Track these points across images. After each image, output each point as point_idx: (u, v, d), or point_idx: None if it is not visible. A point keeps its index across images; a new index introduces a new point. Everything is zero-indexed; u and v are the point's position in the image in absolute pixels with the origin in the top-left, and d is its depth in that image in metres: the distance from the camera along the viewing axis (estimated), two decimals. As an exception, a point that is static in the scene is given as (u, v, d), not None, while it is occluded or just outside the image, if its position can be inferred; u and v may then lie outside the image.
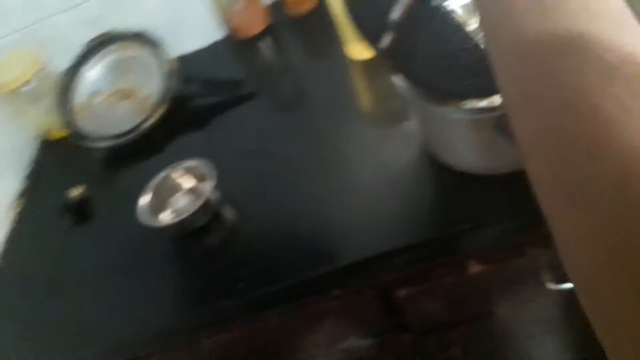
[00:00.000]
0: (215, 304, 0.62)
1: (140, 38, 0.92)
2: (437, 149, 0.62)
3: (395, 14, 0.47)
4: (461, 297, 0.70)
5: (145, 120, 0.87)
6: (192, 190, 0.74)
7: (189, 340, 0.69)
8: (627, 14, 0.23)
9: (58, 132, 0.96)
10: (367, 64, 0.81)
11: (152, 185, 0.72)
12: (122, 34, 0.93)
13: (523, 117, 0.24)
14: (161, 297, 0.65)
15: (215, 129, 0.85)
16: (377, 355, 0.76)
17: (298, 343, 0.73)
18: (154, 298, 0.65)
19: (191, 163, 0.73)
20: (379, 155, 0.68)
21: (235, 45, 1.01)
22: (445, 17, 0.49)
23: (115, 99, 0.93)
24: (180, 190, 0.74)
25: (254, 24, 0.99)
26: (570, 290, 0.65)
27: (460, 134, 0.57)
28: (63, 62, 0.92)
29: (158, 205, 0.72)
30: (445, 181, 0.61)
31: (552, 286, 0.64)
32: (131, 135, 0.87)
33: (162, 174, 0.73)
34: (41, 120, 0.96)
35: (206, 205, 0.67)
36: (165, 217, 0.71)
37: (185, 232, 0.68)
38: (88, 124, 0.91)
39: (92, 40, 0.93)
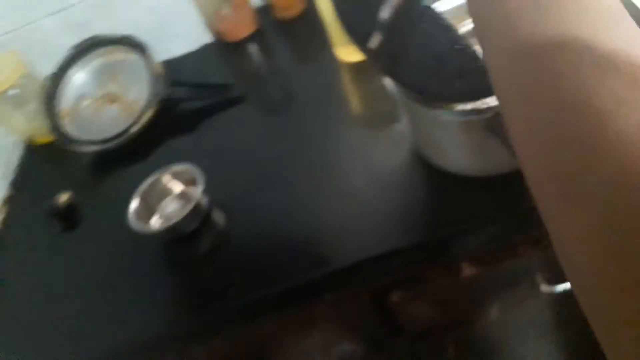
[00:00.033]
0: (206, 310, 0.61)
1: (126, 42, 0.91)
2: (428, 151, 0.62)
3: (384, 13, 0.46)
4: (455, 299, 0.70)
5: (133, 124, 0.86)
6: (181, 195, 0.73)
7: (180, 347, 0.68)
8: (619, 7, 0.23)
9: (44, 137, 0.95)
10: (356, 66, 0.81)
11: (140, 191, 0.71)
12: (109, 38, 0.92)
13: (518, 116, 0.24)
14: (151, 304, 0.64)
15: (203, 133, 0.85)
16: (370, 360, 0.75)
17: (291, 349, 0.73)
18: (143, 305, 0.64)
19: (179, 167, 0.72)
20: (370, 157, 0.67)
21: (223, 48, 1.00)
22: (435, 18, 0.49)
23: (102, 104, 0.92)
24: (169, 195, 0.73)
25: (242, 28, 0.98)
26: (563, 293, 0.65)
27: (451, 135, 0.56)
28: (48, 66, 0.91)
29: (146, 210, 0.71)
30: (437, 183, 0.61)
31: (546, 288, 0.64)
32: (118, 140, 0.86)
33: (150, 179, 0.72)
34: (26, 125, 0.94)
35: (196, 210, 0.66)
36: (154, 223, 0.70)
37: (174, 237, 0.67)
38: (74, 129, 0.89)
39: (78, 44, 0.91)
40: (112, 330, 0.63)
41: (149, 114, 0.86)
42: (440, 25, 0.49)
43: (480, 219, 0.57)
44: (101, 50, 0.93)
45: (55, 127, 0.89)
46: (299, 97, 0.83)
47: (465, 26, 0.56)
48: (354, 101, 0.81)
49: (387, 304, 0.67)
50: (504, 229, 0.58)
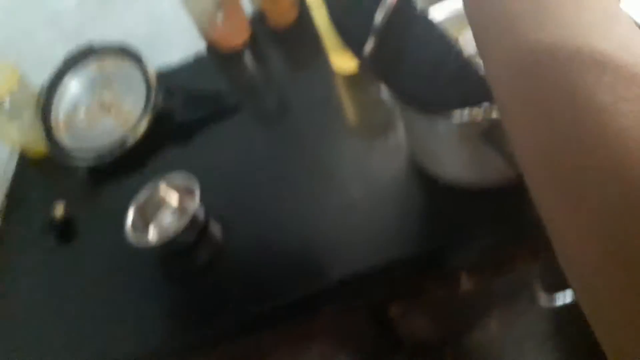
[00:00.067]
0: (204, 324, 0.60)
1: (121, 52, 0.90)
2: (425, 160, 0.62)
3: (378, 17, 0.46)
4: (453, 311, 0.70)
5: (128, 135, 0.86)
6: (177, 207, 0.72)
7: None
8: (616, 6, 0.23)
9: (39, 149, 0.94)
10: (351, 75, 0.81)
11: (136, 202, 0.70)
12: (103, 48, 0.91)
13: (518, 116, 0.24)
14: (148, 319, 0.64)
15: (199, 143, 0.84)
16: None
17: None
18: (141, 319, 0.64)
19: (176, 178, 0.72)
20: (366, 167, 0.67)
21: (217, 58, 1.00)
22: (428, 24, 0.49)
23: (98, 113, 0.91)
24: (165, 207, 0.72)
25: (236, 37, 0.98)
26: (561, 305, 0.65)
27: (447, 143, 0.56)
28: (42, 76, 0.90)
29: (143, 222, 0.70)
30: (434, 193, 0.61)
31: (544, 300, 0.63)
32: (113, 151, 0.85)
33: (146, 191, 0.71)
34: (21, 136, 0.93)
35: (193, 223, 0.66)
36: (151, 234, 0.70)
37: (171, 250, 0.67)
38: (69, 140, 0.89)
39: (72, 54, 0.91)
40: (110, 344, 0.63)
41: (144, 124, 0.86)
42: (433, 31, 0.49)
43: (478, 230, 0.57)
44: (96, 60, 0.92)
45: (50, 138, 0.88)
46: (294, 106, 0.83)
47: (464, 36, 0.56)
48: (350, 110, 0.81)
49: (386, 317, 0.67)
50: (502, 240, 0.58)
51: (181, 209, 0.71)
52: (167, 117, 0.88)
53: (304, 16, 0.93)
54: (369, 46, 0.49)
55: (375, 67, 0.53)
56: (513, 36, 0.24)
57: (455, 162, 0.58)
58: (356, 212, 0.63)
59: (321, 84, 0.83)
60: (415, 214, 0.61)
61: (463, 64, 0.48)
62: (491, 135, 0.50)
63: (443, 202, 0.60)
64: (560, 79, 0.21)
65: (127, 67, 0.90)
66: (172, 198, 0.73)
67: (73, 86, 0.92)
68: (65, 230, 0.79)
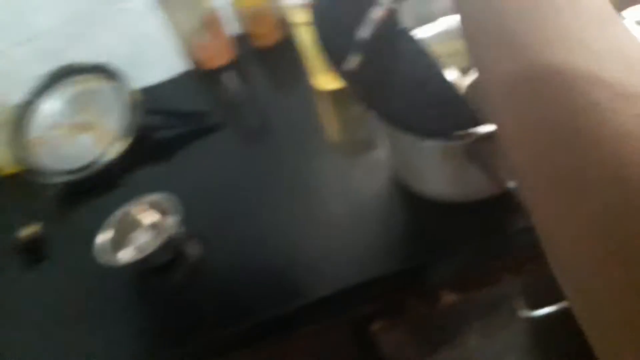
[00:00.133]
0: (179, 345, 0.58)
1: (100, 70, 0.89)
2: (408, 177, 0.62)
3: (363, 33, 0.46)
4: (434, 325, 0.69)
5: (105, 153, 0.84)
6: (154, 226, 0.70)
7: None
8: (610, 7, 0.23)
9: (11, 168, 0.92)
10: (334, 94, 0.81)
11: (111, 222, 0.68)
12: (82, 67, 0.90)
13: (517, 132, 0.24)
14: (124, 341, 0.61)
15: (178, 162, 0.83)
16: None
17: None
18: (115, 340, 0.62)
19: (153, 197, 0.70)
20: (348, 184, 0.67)
21: (200, 76, 1.00)
22: (412, 42, 0.49)
23: (75, 133, 0.90)
24: (142, 226, 0.70)
25: (219, 56, 0.98)
26: (542, 318, 0.64)
27: (430, 161, 0.56)
28: (19, 95, 0.89)
29: (119, 242, 0.68)
30: (416, 209, 0.61)
31: (525, 313, 0.63)
32: (89, 170, 0.84)
33: (122, 210, 0.69)
34: (-6, 155, 0.91)
35: (169, 241, 0.64)
36: (127, 255, 0.68)
37: (147, 270, 0.65)
38: (44, 159, 0.87)
39: (50, 72, 0.90)
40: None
41: (122, 143, 0.84)
42: (416, 49, 0.49)
43: (460, 245, 0.56)
44: (74, 79, 0.91)
45: (24, 157, 0.86)
46: (276, 125, 0.83)
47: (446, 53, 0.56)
48: (332, 129, 0.81)
49: (368, 335, 0.65)
50: (482, 255, 0.58)
51: (158, 228, 0.70)
52: (148, 135, 0.87)
53: (287, 37, 0.94)
54: (352, 63, 0.49)
55: (358, 86, 0.52)
56: (513, 55, 0.24)
57: (439, 178, 0.58)
58: (338, 229, 0.62)
59: (304, 102, 0.83)
60: (398, 230, 0.60)
61: (444, 84, 0.48)
62: (475, 152, 0.50)
63: (425, 218, 0.60)
64: (558, 74, 0.22)
65: (106, 86, 0.90)
66: (149, 217, 0.71)
67: (50, 105, 0.91)
68: (36, 251, 0.76)
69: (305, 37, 0.75)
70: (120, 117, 0.86)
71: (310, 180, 0.70)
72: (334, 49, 0.52)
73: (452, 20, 0.60)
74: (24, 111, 0.89)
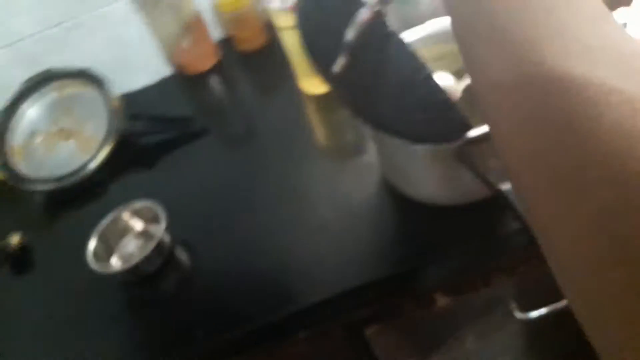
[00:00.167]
0: (170, 353, 0.57)
1: (82, 76, 0.88)
2: (397, 181, 0.62)
3: (349, 35, 0.45)
4: (429, 328, 0.69)
5: (89, 161, 0.83)
6: (142, 234, 0.70)
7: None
8: (603, 6, 0.23)
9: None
10: (321, 98, 0.81)
11: (98, 230, 0.67)
12: (63, 72, 0.89)
13: (514, 135, 0.24)
14: (112, 350, 0.60)
15: (164, 168, 0.82)
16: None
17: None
18: (105, 351, 0.60)
19: (140, 204, 0.69)
20: (338, 189, 0.66)
21: (184, 81, 0.99)
22: (400, 45, 0.49)
23: (57, 139, 0.88)
24: (130, 234, 0.70)
25: (203, 60, 0.97)
26: (536, 319, 0.65)
27: (420, 165, 0.56)
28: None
29: (106, 250, 0.67)
30: (407, 213, 0.60)
31: (520, 315, 0.63)
32: (74, 177, 0.82)
33: (109, 217, 0.68)
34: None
35: (158, 248, 0.63)
36: (115, 263, 0.67)
37: (136, 278, 0.64)
38: (27, 167, 0.85)
39: (31, 78, 0.88)
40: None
41: (106, 150, 0.83)
42: (404, 52, 0.49)
43: (451, 248, 0.56)
44: (56, 84, 0.89)
45: (5, 165, 0.84)
46: (263, 130, 0.82)
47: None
48: (320, 133, 0.80)
49: (363, 339, 0.65)
50: (475, 258, 0.58)
51: (146, 235, 0.69)
52: (132, 141, 0.86)
53: (272, 41, 0.93)
54: (338, 66, 0.48)
55: (344, 90, 0.52)
56: (504, 55, 0.24)
57: (429, 182, 0.57)
58: (328, 234, 0.62)
59: (290, 107, 0.83)
60: (389, 234, 0.60)
61: (432, 87, 0.48)
62: (465, 155, 0.50)
63: (416, 221, 0.59)
64: (552, 70, 0.21)
65: (88, 92, 0.88)
66: (136, 225, 0.70)
67: (31, 111, 0.89)
68: (20, 260, 0.75)
69: (291, 41, 0.75)
70: (103, 123, 0.85)
71: (299, 185, 0.69)
72: (319, 53, 0.51)
73: (438, 24, 0.61)
74: (4, 117, 0.87)
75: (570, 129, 0.20)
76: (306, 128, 0.80)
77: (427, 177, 0.57)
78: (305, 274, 0.59)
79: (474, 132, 0.47)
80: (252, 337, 0.58)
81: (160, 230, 0.64)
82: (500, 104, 0.24)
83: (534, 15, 0.23)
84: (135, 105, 0.90)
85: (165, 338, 0.59)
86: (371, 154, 0.68)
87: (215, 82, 0.96)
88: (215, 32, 1.01)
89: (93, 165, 0.83)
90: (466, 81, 0.56)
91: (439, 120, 0.48)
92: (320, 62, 0.52)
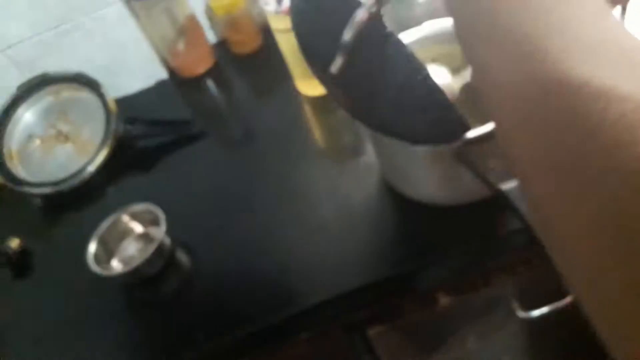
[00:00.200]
0: (172, 356, 0.57)
1: (78, 80, 0.88)
2: (397, 182, 0.62)
3: (346, 35, 0.45)
4: (431, 328, 0.69)
5: (87, 164, 0.83)
6: (142, 237, 0.69)
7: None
8: (602, 2, 0.23)
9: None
10: (318, 99, 0.81)
11: (98, 233, 0.67)
12: (59, 76, 0.89)
13: (523, 136, 0.24)
14: (113, 353, 0.60)
15: (162, 171, 0.82)
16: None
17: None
18: (105, 354, 0.60)
19: (139, 207, 0.69)
20: (337, 190, 0.67)
21: (180, 84, 0.99)
22: (398, 45, 0.49)
23: (54, 143, 0.88)
24: (129, 237, 0.70)
25: (199, 63, 0.97)
26: (538, 318, 0.65)
27: (419, 165, 0.56)
28: (-6, 106, 0.87)
29: (106, 253, 0.67)
30: (407, 214, 0.60)
31: (521, 314, 0.64)
32: (72, 181, 0.82)
33: (108, 220, 0.68)
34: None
35: (159, 251, 0.63)
36: (115, 266, 0.67)
37: (137, 280, 0.64)
38: (24, 171, 0.85)
39: (27, 82, 0.88)
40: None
41: (104, 153, 0.83)
42: (402, 53, 0.49)
43: (451, 248, 0.57)
44: (51, 88, 0.89)
45: (3, 169, 0.84)
46: (261, 132, 0.82)
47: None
48: (318, 133, 0.80)
49: (365, 340, 0.65)
50: (476, 257, 0.58)
51: (146, 238, 0.69)
52: (129, 145, 0.86)
53: (267, 43, 0.94)
54: (335, 67, 0.48)
55: (341, 92, 0.52)
56: (506, 54, 0.24)
57: (428, 182, 0.58)
58: (329, 234, 0.62)
59: (287, 109, 0.83)
60: (389, 235, 0.60)
61: (430, 88, 0.48)
62: (464, 155, 0.50)
63: (416, 222, 0.59)
64: (555, 64, 0.22)
65: (84, 96, 0.88)
66: (137, 228, 0.70)
67: (27, 116, 0.89)
68: (20, 264, 0.75)
69: (287, 43, 0.75)
70: (100, 127, 0.85)
71: (298, 186, 0.69)
72: (316, 54, 0.51)
73: (434, 25, 0.61)
74: (0, 122, 0.87)
75: (572, 126, 0.20)
76: (304, 130, 0.80)
77: (427, 177, 0.57)
78: (306, 275, 0.59)
79: (473, 133, 0.47)
80: (253, 338, 0.58)
81: (160, 232, 0.64)
82: (503, 102, 0.25)
83: (535, 14, 0.23)
84: (131, 109, 0.90)
85: (166, 340, 0.59)
86: (370, 155, 0.68)
87: (211, 85, 0.96)
88: (211, 35, 1.01)
89: (91, 168, 0.82)
90: (463, 79, 0.56)
91: (438, 121, 0.48)
92: (317, 63, 0.52)
